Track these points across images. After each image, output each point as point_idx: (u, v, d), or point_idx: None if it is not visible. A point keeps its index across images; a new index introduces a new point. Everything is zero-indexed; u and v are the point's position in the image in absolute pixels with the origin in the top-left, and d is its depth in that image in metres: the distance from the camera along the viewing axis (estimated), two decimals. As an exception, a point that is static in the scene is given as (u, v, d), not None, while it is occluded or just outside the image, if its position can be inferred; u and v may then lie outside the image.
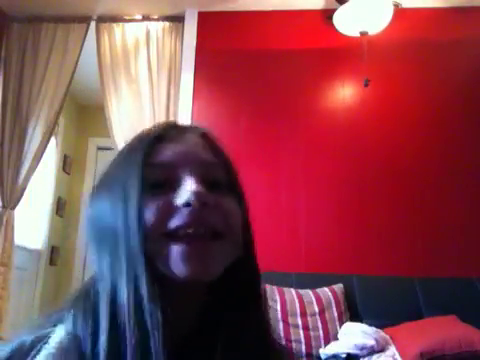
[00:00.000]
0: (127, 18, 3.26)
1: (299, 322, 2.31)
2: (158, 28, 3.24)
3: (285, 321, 2.31)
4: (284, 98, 3.02)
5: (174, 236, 0.48)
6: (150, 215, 0.48)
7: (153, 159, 0.53)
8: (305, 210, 2.84)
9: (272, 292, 2.43)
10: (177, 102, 3.07)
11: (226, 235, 0.51)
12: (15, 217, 3.14)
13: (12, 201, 3.11)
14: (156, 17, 3.24)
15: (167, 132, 0.57)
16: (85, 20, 3.26)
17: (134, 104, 3.12)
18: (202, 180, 0.52)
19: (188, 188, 0.49)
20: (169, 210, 0.49)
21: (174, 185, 0.51)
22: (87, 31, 3.25)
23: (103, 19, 3.27)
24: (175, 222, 0.48)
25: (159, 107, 3.09)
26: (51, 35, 3.26)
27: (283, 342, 2.25)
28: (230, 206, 0.54)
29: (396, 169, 2.85)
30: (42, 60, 3.23)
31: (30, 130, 3.16)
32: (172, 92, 3.12)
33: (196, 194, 0.48)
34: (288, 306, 2.36)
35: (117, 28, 3.25)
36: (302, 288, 2.48)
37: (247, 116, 3.02)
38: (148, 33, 3.22)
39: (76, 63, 3.22)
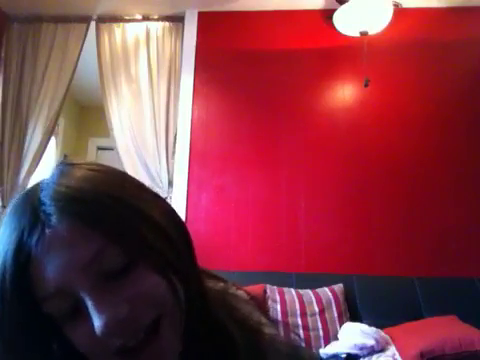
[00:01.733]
0: (127, 18, 3.26)
1: (299, 322, 2.31)
2: (158, 28, 3.23)
3: (285, 321, 2.31)
4: (284, 98, 3.01)
5: (119, 353, 0.43)
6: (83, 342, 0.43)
7: (33, 295, 0.42)
8: (305, 210, 2.84)
9: (272, 292, 2.43)
10: (177, 102, 3.07)
11: (162, 317, 0.44)
12: (15, 217, 3.13)
13: (12, 201, 3.11)
14: (156, 17, 3.24)
15: (25, 243, 0.43)
16: (85, 20, 3.26)
17: (134, 104, 3.12)
18: (98, 282, 0.42)
19: (93, 316, 0.42)
20: (94, 337, 0.42)
21: (75, 311, 0.43)
22: (87, 31, 3.25)
23: (103, 19, 3.27)
24: (110, 346, 0.43)
25: (159, 107, 3.09)
26: (51, 35, 3.26)
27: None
28: (143, 287, 0.44)
29: (396, 169, 2.85)
30: (42, 60, 3.23)
31: (30, 130, 3.16)
32: (172, 92, 3.12)
33: (101, 322, 0.41)
34: (288, 306, 2.36)
35: (117, 28, 3.25)
36: (302, 288, 2.48)
37: (247, 116, 3.02)
38: (148, 33, 3.22)
39: (76, 63, 3.22)
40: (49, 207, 0.43)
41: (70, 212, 0.43)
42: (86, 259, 0.42)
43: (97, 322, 0.41)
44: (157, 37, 3.22)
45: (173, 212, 0.51)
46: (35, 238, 0.42)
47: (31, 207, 0.44)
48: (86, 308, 0.42)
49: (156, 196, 0.51)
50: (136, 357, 0.43)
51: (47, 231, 0.42)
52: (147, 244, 0.45)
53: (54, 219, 0.43)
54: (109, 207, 0.44)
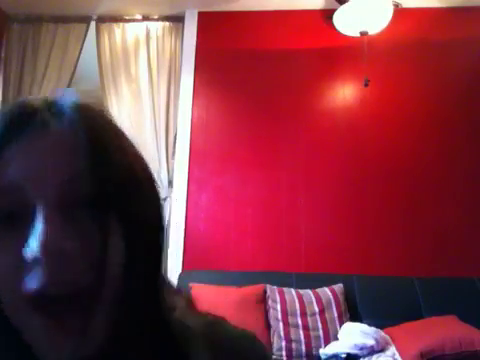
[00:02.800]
0: (127, 18, 3.26)
1: (299, 322, 2.31)
2: (158, 28, 3.23)
3: (285, 321, 2.31)
4: (284, 98, 3.01)
5: (35, 303, 0.35)
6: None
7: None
8: (305, 210, 2.84)
9: (272, 292, 2.43)
10: (177, 102, 3.07)
11: (97, 289, 0.37)
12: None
13: (12, 201, 3.11)
14: (156, 17, 3.24)
15: (13, 128, 0.39)
16: (85, 20, 3.26)
17: (134, 104, 3.12)
18: (61, 205, 0.36)
19: (37, 231, 0.35)
20: (19, 264, 0.35)
21: (26, 219, 0.36)
22: (87, 31, 3.25)
23: (103, 19, 3.27)
24: (27, 284, 0.35)
25: (159, 107, 3.09)
26: (51, 35, 3.26)
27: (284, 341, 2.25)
28: (102, 241, 0.37)
29: (396, 169, 2.85)
30: (42, 60, 3.23)
31: (30, 130, 3.16)
32: (172, 92, 3.12)
33: (43, 242, 0.34)
34: (288, 306, 2.36)
35: (117, 28, 3.25)
36: (302, 288, 2.48)
37: (247, 116, 3.02)
38: (148, 33, 3.22)
39: (76, 63, 3.22)
40: (55, 109, 0.41)
41: (64, 117, 0.40)
42: (69, 166, 0.38)
43: (34, 241, 0.34)
44: (157, 37, 3.22)
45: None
46: (29, 128, 0.39)
47: (34, 103, 0.42)
48: (30, 221, 0.36)
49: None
50: (56, 318, 0.36)
51: (43, 129, 0.39)
52: (132, 190, 0.40)
53: (56, 122, 0.40)
54: (112, 140, 0.43)
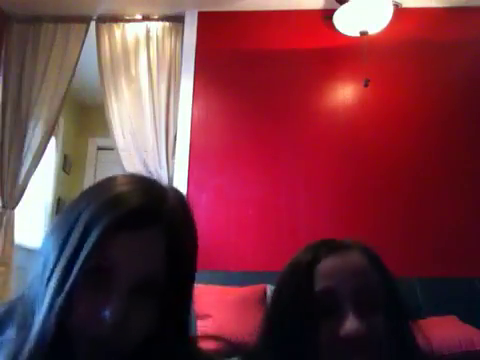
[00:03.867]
0: (127, 18, 3.26)
1: (299, 322, 2.30)
2: (158, 28, 3.23)
3: (285, 321, 2.30)
4: (284, 98, 3.01)
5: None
6: None
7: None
8: (305, 210, 2.84)
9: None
10: (177, 102, 3.07)
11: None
12: (15, 217, 3.14)
13: (12, 201, 3.11)
14: (156, 17, 3.24)
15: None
16: (85, 20, 3.26)
17: (134, 104, 3.11)
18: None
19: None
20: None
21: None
22: (87, 31, 3.25)
23: (103, 19, 3.27)
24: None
25: (159, 107, 3.09)
26: (51, 35, 3.26)
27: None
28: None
29: (396, 169, 2.85)
30: (42, 60, 3.23)
31: (30, 130, 3.16)
32: (172, 92, 3.12)
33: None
34: (288, 306, 2.35)
35: (117, 28, 3.25)
36: (302, 288, 2.48)
37: (247, 116, 3.02)
38: (148, 33, 3.22)
39: (76, 63, 3.22)
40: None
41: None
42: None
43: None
44: (157, 37, 3.22)
45: None
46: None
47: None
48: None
49: None
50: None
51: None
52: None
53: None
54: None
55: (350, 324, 0.55)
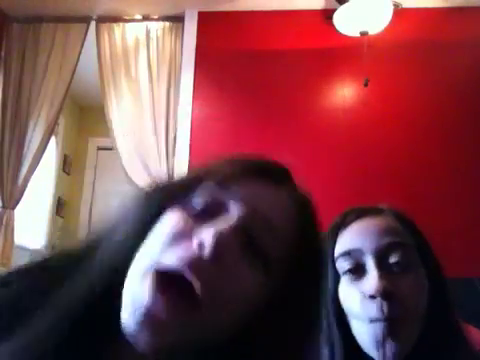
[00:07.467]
0: (127, 18, 3.26)
1: (299, 322, 2.31)
2: (158, 28, 3.23)
3: (285, 321, 2.30)
4: (284, 98, 3.01)
5: None
6: None
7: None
8: (305, 210, 2.83)
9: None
10: (177, 102, 3.07)
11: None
12: (15, 217, 3.14)
13: (12, 201, 3.11)
14: (156, 17, 3.24)
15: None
16: (85, 20, 3.26)
17: (134, 104, 3.11)
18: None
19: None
20: None
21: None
22: (87, 31, 3.25)
23: (103, 19, 3.27)
24: None
25: (159, 107, 3.09)
26: (51, 35, 3.26)
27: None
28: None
29: (396, 169, 2.85)
30: (42, 60, 3.23)
31: (30, 130, 3.16)
32: (172, 92, 3.12)
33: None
34: (288, 306, 2.35)
35: (117, 28, 3.25)
36: (302, 288, 2.48)
37: (247, 116, 3.02)
38: (148, 33, 3.22)
39: (76, 63, 3.22)
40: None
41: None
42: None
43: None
44: (157, 37, 3.22)
45: None
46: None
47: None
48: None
49: None
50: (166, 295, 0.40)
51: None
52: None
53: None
54: None
55: (374, 282, 0.55)
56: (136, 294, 0.40)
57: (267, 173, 0.53)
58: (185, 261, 0.40)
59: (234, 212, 0.45)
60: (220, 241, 0.40)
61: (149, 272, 0.41)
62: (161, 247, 0.42)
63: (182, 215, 0.45)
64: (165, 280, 0.40)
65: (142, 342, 0.39)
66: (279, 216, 0.49)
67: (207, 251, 0.40)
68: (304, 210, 0.54)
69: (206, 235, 0.41)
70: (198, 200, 0.46)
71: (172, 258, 0.41)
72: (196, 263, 0.40)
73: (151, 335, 0.39)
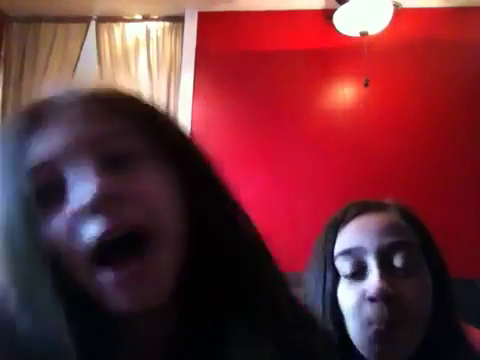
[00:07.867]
0: (127, 18, 3.26)
1: (299, 322, 2.30)
2: (158, 28, 3.24)
3: (285, 321, 2.30)
4: (284, 98, 3.01)
5: (97, 253, 0.37)
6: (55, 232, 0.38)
7: (26, 160, 0.40)
8: (305, 210, 2.83)
9: (272, 292, 2.43)
10: (177, 102, 3.07)
11: (154, 234, 0.39)
12: (15, 217, 3.13)
13: (12, 201, 3.11)
14: (156, 17, 3.24)
15: (37, 111, 0.46)
16: (85, 20, 3.26)
17: (134, 104, 3.11)
18: (97, 162, 0.39)
19: (87, 185, 0.37)
20: (73, 223, 0.37)
21: (58, 192, 0.39)
22: (87, 31, 3.25)
23: (103, 19, 3.27)
24: (87, 235, 0.37)
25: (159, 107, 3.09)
26: (51, 35, 3.26)
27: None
28: (149, 186, 0.40)
29: (396, 169, 2.85)
30: (42, 60, 3.23)
31: (30, 130, 3.16)
32: (172, 92, 3.12)
33: (97, 190, 0.37)
34: (288, 306, 2.35)
35: (117, 28, 3.25)
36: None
37: (247, 116, 3.02)
38: (148, 33, 3.22)
39: (76, 63, 3.22)
40: (63, 99, 0.46)
41: (85, 100, 0.45)
42: (95, 134, 0.42)
43: (78, 191, 0.36)
44: (157, 37, 3.22)
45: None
46: (47, 115, 0.44)
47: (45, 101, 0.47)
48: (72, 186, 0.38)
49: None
50: (118, 265, 0.37)
51: (58, 109, 0.44)
52: (175, 142, 0.46)
53: (68, 105, 0.44)
54: (125, 100, 0.49)
55: (375, 284, 0.51)
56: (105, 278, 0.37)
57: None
58: (98, 231, 0.36)
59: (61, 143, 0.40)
60: (84, 173, 0.37)
61: (93, 265, 0.37)
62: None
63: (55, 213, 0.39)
64: (104, 255, 0.37)
65: (123, 304, 0.37)
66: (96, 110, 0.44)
67: (92, 195, 0.36)
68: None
69: (77, 193, 0.37)
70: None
71: (88, 233, 0.37)
72: (98, 208, 0.36)
73: (133, 292, 0.37)
